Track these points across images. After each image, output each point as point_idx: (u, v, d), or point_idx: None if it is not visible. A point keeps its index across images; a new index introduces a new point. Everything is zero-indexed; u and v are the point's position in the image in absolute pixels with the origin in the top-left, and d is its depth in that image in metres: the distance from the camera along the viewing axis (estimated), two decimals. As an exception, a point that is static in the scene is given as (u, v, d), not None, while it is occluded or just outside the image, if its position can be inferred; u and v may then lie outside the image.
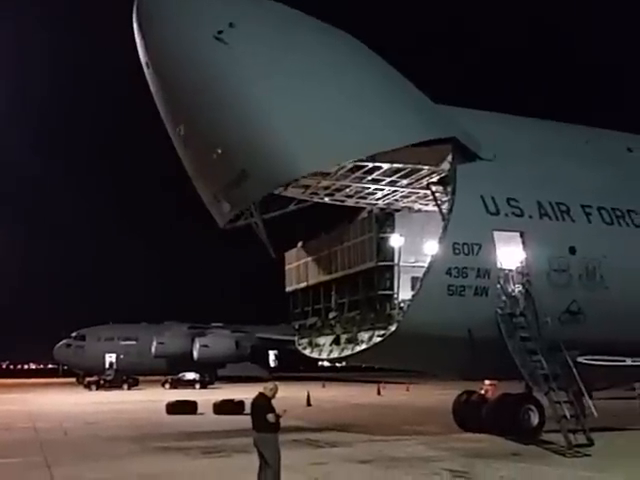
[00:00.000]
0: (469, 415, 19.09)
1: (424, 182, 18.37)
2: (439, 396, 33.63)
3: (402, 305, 16.99)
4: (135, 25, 15.92)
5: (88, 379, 50.56)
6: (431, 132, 16.22)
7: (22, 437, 19.35)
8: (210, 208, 17.31)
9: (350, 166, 17.28)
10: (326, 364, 73.24)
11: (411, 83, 17.15)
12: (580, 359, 16.86)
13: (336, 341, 19.10)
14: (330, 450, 15.98)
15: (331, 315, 19.55)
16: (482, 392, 19.58)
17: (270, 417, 9.64)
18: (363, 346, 17.35)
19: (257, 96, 14.91)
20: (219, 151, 15.09)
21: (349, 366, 56.74)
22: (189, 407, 27.03)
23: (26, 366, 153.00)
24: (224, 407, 26.44)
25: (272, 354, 64.70)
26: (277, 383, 10.38)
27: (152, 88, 16.49)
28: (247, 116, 14.82)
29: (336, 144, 15.11)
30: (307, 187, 19.06)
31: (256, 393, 10.18)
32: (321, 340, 20.05)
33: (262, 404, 9.91)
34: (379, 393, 39.99)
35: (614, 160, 19.58)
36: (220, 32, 14.72)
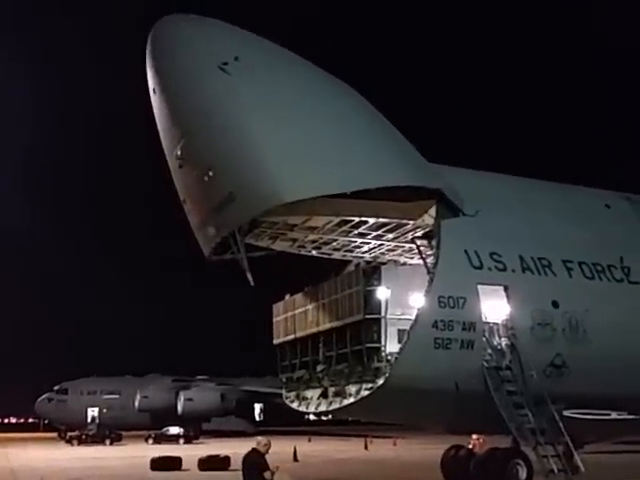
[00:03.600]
0: (457, 470, 18.90)
1: (409, 236, 18.74)
2: (426, 450, 33.19)
3: (389, 358, 17.06)
4: (148, 52, 17.15)
5: (70, 434, 49.47)
6: (418, 179, 16.70)
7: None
8: (197, 234, 17.83)
9: (337, 220, 17.69)
10: (312, 417, 72.26)
11: (401, 135, 17.80)
12: (566, 413, 16.86)
13: (324, 394, 19.02)
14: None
15: (319, 368, 19.51)
16: (470, 446, 19.46)
17: (267, 475, 9.59)
18: (351, 400, 17.29)
19: (251, 124, 15.75)
20: (210, 174, 15.78)
21: (336, 420, 55.90)
22: (174, 463, 26.65)
23: (6, 420, 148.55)
24: (210, 463, 26.12)
25: (258, 407, 63.70)
26: (269, 438, 10.35)
27: (156, 113, 17.50)
28: (239, 142, 15.64)
29: (322, 176, 15.66)
30: (295, 240, 19.43)
31: (245, 448, 10.16)
32: (309, 393, 19.95)
33: (255, 461, 9.87)
34: (366, 447, 39.53)
35: (593, 216, 20.13)
36: (225, 63, 15.77)
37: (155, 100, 17.39)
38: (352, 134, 16.56)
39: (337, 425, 66.52)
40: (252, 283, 16.44)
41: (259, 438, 10.35)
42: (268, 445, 10.19)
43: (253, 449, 10.09)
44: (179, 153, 16.51)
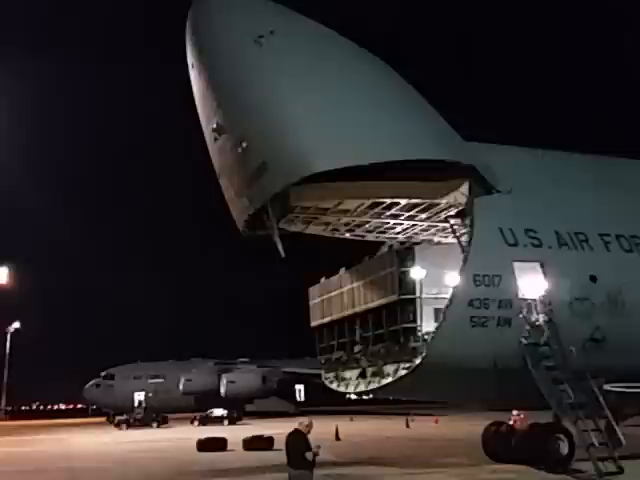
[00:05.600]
0: (499, 446, 19.04)
1: (442, 215, 18.76)
2: (468, 427, 33.26)
3: (426, 337, 17.22)
4: (187, 28, 17.84)
5: (118, 418, 50.83)
6: (452, 154, 16.68)
7: (59, 477, 19.76)
8: (232, 208, 18.33)
9: (369, 203, 17.80)
10: (353, 397, 72.76)
11: (436, 111, 17.74)
12: (606, 386, 16.83)
13: (362, 375, 19.32)
14: (360, 485, 16.11)
15: (356, 349, 19.81)
16: (511, 422, 19.54)
17: (308, 455, 9.84)
18: (389, 379, 17.54)
19: (284, 95, 16.11)
20: (244, 145, 16.21)
21: (376, 399, 56.27)
22: (219, 444, 27.19)
23: (56, 406, 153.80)
24: (254, 443, 26.62)
25: (299, 388, 64.50)
26: (312, 419, 10.59)
27: (194, 87, 18.18)
28: (272, 113, 15.98)
29: (353, 147, 15.76)
30: (328, 224, 19.62)
31: (288, 428, 10.39)
32: (347, 374, 20.28)
33: (298, 441, 10.09)
34: (407, 426, 39.69)
35: (629, 188, 19.78)
36: (260, 37, 16.29)
37: (193, 75, 18.00)
38: (385, 108, 16.64)
39: (378, 404, 66.90)
40: (283, 255, 16.68)
41: (301, 419, 10.57)
42: (310, 426, 10.41)
43: (296, 430, 10.32)
44: (215, 126, 16.96)
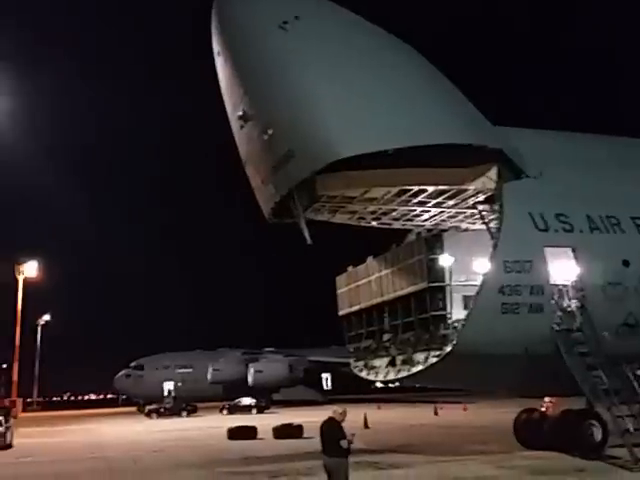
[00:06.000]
0: (531, 433, 18.97)
1: (470, 202, 18.60)
2: (497, 415, 33.10)
3: (456, 325, 17.14)
4: (213, 15, 17.98)
5: (149, 407, 51.56)
6: (479, 138, 16.48)
7: (93, 466, 20.04)
8: (258, 195, 18.40)
9: (396, 190, 17.72)
10: (380, 385, 72.96)
11: (463, 95, 17.56)
12: (640, 372, 16.64)
13: (392, 363, 19.32)
14: (392, 472, 16.12)
15: (385, 337, 19.80)
16: (543, 409, 19.42)
17: (343, 443, 9.93)
18: (419, 367, 17.53)
19: (309, 82, 16.11)
20: (270, 132, 16.24)
21: (403, 387, 56.27)
22: (250, 432, 27.48)
23: (86, 397, 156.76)
24: (284, 431, 26.81)
25: (325, 377, 64.77)
26: (345, 407, 10.65)
27: (220, 75, 18.28)
28: (298, 99, 15.98)
29: (379, 132, 15.70)
30: (354, 212, 19.59)
31: (316, 417, 10.43)
32: (376, 362, 20.29)
33: (333, 429, 10.18)
34: (436, 413, 39.61)
35: None
36: (285, 22, 16.32)
37: (219, 62, 18.09)
38: (411, 92, 16.54)
39: (405, 392, 66.94)
40: (309, 242, 16.72)
41: (335, 407, 10.65)
42: (344, 414, 10.48)
43: (330, 418, 10.40)
44: (240, 113, 17.00)
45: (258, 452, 21.80)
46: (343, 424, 10.39)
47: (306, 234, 16.72)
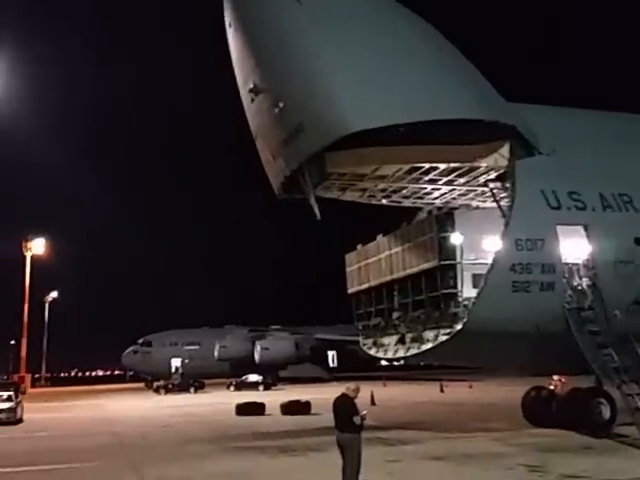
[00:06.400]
0: (539, 410, 19.06)
1: (481, 179, 18.46)
2: (503, 393, 33.25)
3: (466, 303, 17.14)
4: None
5: (157, 384, 52.05)
6: (491, 114, 16.26)
7: (103, 441, 20.19)
8: (268, 170, 18.30)
9: (407, 168, 17.59)
10: (384, 363, 73.28)
11: (477, 70, 17.31)
12: (650, 350, 16.60)
13: (401, 340, 19.38)
14: (402, 448, 16.25)
15: (395, 315, 19.83)
16: (551, 387, 19.48)
17: (356, 419, 9.98)
18: (429, 345, 17.58)
19: (321, 56, 15.96)
20: (280, 105, 16.09)
21: (408, 365, 56.50)
22: (258, 408, 27.69)
23: (94, 373, 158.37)
24: (291, 408, 27.00)
25: (331, 354, 65.17)
26: (358, 384, 10.69)
27: (231, 47, 18.10)
28: (311, 72, 15.87)
29: (390, 106, 15.53)
30: (364, 190, 19.49)
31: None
32: (385, 340, 20.35)
33: (346, 405, 10.23)
34: (442, 391, 39.84)
35: None
36: None
37: (231, 34, 17.85)
38: (424, 67, 16.34)
39: (410, 370, 67.29)
40: (319, 217, 16.67)
41: (348, 384, 10.68)
42: (357, 390, 10.53)
43: (343, 394, 10.44)
44: (251, 86, 16.83)
45: (267, 428, 21.97)
46: (356, 400, 10.44)
47: (316, 210, 16.66)
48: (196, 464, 14.84)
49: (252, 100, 17.31)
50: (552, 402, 18.68)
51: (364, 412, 10.20)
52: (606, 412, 17.18)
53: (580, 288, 16.72)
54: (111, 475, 13.98)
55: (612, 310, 16.28)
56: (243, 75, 17.68)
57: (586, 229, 16.89)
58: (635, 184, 17.86)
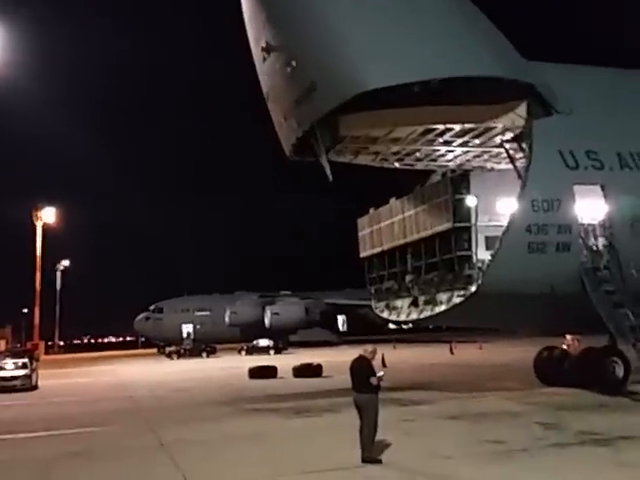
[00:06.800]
0: (552, 370, 19.15)
1: (497, 140, 18.18)
2: (513, 354, 33.47)
3: (480, 265, 17.07)
4: None
5: (169, 349, 52.72)
6: (510, 72, 15.91)
7: (120, 406, 20.48)
8: (279, 131, 18.07)
9: (421, 130, 17.32)
10: (393, 326, 73.81)
11: (495, 27, 16.87)
12: (664, 309, 16.55)
13: (414, 303, 19.40)
14: (416, 408, 16.40)
15: (408, 278, 19.80)
16: (564, 347, 19.53)
17: (373, 380, 10.05)
18: (442, 307, 17.60)
19: (337, 12, 15.64)
20: (293, 64, 15.86)
21: (417, 327, 56.87)
22: (270, 371, 28.04)
23: (106, 340, 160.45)
24: (303, 371, 27.34)
25: (341, 318, 65.67)
26: (375, 346, 10.73)
27: (243, 6, 17.78)
28: (323, 31, 15.58)
29: (406, 64, 15.24)
30: (377, 154, 19.26)
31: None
32: (398, 303, 20.38)
33: (363, 366, 10.28)
34: (452, 352, 40.13)
35: None
36: None
37: None
38: (440, 23, 15.97)
39: (418, 332, 67.76)
40: (330, 179, 16.51)
41: (366, 346, 10.72)
42: (374, 352, 10.59)
43: (360, 356, 10.49)
44: (264, 45, 16.54)
45: (280, 390, 22.26)
46: (373, 362, 10.50)
47: (328, 171, 16.50)
48: (212, 426, 15.04)
49: (264, 59, 16.98)
50: (565, 361, 18.75)
51: (381, 373, 10.26)
52: (619, 371, 17.25)
53: (596, 248, 16.59)
54: (129, 438, 14.16)
55: (628, 269, 16.17)
56: (255, 34, 17.36)
57: (603, 189, 16.68)
58: None
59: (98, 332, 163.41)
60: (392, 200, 21.09)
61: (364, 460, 9.99)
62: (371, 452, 10.04)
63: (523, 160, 17.22)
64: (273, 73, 17.02)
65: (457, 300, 17.03)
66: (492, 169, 20.08)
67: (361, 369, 10.34)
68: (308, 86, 15.55)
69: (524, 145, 16.94)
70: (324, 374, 26.83)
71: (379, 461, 10.01)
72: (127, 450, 12.74)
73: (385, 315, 21.21)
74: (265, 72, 17.59)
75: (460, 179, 18.28)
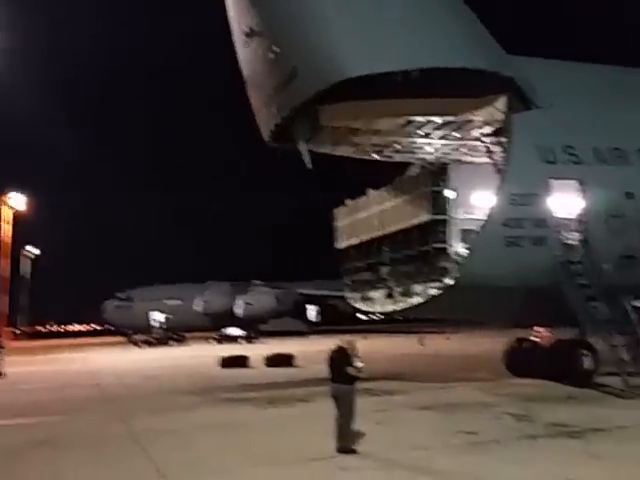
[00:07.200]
0: (522, 361, 19.37)
1: (475, 133, 18.22)
2: (482, 345, 33.85)
3: (456, 258, 17.14)
4: None
5: (138, 338, 52.14)
6: (491, 64, 15.94)
7: (87, 394, 20.20)
8: (258, 117, 17.85)
9: (402, 121, 17.25)
10: (363, 317, 74.14)
11: (478, 19, 16.85)
12: (634, 303, 16.86)
13: (389, 295, 19.42)
14: (389, 398, 16.45)
15: (384, 270, 19.81)
16: (534, 339, 19.78)
17: (351, 370, 10.01)
18: (418, 299, 17.64)
19: (319, 0, 15.47)
20: (276, 49, 15.70)
21: (386, 318, 57.01)
22: (242, 361, 27.91)
23: (74, 327, 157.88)
24: (275, 360, 27.24)
25: (311, 309, 65.76)
26: (353, 337, 10.71)
27: None
28: (306, 17, 15.45)
29: (387, 53, 15.16)
30: (357, 145, 19.14)
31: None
32: (374, 294, 20.40)
33: (341, 357, 10.25)
34: (421, 343, 40.39)
35: None
36: None
37: None
38: (423, 13, 15.87)
39: (388, 323, 68.11)
40: (309, 166, 16.38)
41: (345, 337, 10.70)
42: (352, 343, 10.54)
43: (339, 346, 10.47)
44: (247, 30, 16.32)
45: (253, 379, 22.12)
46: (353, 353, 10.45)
47: (306, 158, 16.36)
48: (183, 415, 14.88)
49: (246, 44, 16.71)
50: (535, 353, 18.98)
51: (360, 364, 10.23)
52: (589, 363, 17.48)
53: (571, 242, 16.77)
54: (98, 427, 13.91)
55: (602, 264, 16.40)
56: (238, 19, 17.09)
57: (580, 183, 16.85)
58: (629, 138, 17.79)
59: (67, 320, 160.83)
60: (370, 191, 21.03)
61: (339, 450, 9.97)
62: (346, 442, 10.01)
63: (501, 154, 17.31)
64: (255, 59, 16.78)
65: (432, 292, 17.09)
66: (469, 162, 20.14)
67: (339, 360, 10.30)
68: (289, 72, 15.39)
69: (502, 139, 17.03)
70: (296, 364, 26.81)
71: (354, 451, 9.99)
72: (97, 439, 12.50)
73: (360, 306, 21.22)
74: (247, 58, 17.36)
75: (439, 172, 18.31)
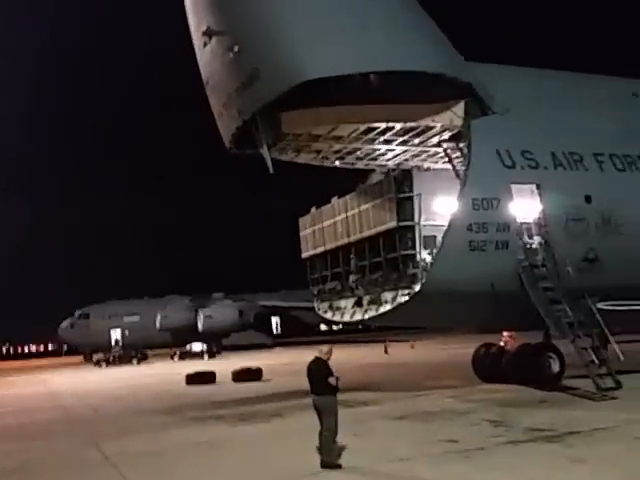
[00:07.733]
0: (489, 367, 19.56)
1: (435, 140, 18.39)
2: (446, 351, 34.20)
3: (424, 264, 17.22)
4: None
5: (97, 357, 50.70)
6: (450, 70, 16.05)
7: (54, 417, 19.48)
8: (219, 121, 17.54)
9: (363, 128, 17.29)
10: (325, 328, 74.01)
11: (436, 25, 17.01)
12: (600, 305, 17.24)
13: (358, 303, 19.36)
14: (364, 409, 16.29)
15: (352, 278, 19.75)
16: (501, 344, 20.01)
17: (332, 380, 9.83)
18: (387, 307, 17.63)
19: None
20: (236, 49, 15.37)
21: (347, 328, 56.98)
22: (208, 377, 27.39)
23: (26, 348, 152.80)
24: (243, 375, 26.85)
25: (275, 321, 65.27)
26: (331, 346, 10.52)
27: None
28: (267, 17, 15.27)
29: (348, 55, 15.16)
30: (319, 152, 19.11)
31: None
32: (342, 303, 20.30)
33: (320, 367, 10.04)
34: (386, 352, 40.53)
35: (621, 106, 19.68)
36: None
37: None
38: (384, 17, 15.92)
39: (350, 333, 68.28)
40: (271, 171, 16.16)
41: (321, 347, 10.49)
42: (330, 352, 10.34)
43: (316, 357, 10.25)
44: (205, 28, 15.94)
45: (221, 396, 21.67)
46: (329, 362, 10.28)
47: (269, 163, 16.17)
48: (155, 437, 14.40)
49: (205, 44, 16.36)
50: (502, 358, 19.18)
51: (337, 375, 10.07)
52: (555, 366, 17.82)
53: (533, 246, 17.05)
54: (71, 453, 13.33)
55: (564, 267, 16.70)
56: (197, 17, 16.68)
57: (538, 187, 17.15)
58: (585, 143, 18.24)
59: (17, 340, 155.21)
60: (334, 199, 21.00)
61: (323, 465, 9.76)
62: (330, 457, 9.81)
63: (460, 159, 17.52)
64: (214, 59, 16.44)
65: (402, 299, 17.11)
66: (429, 169, 20.31)
67: (318, 370, 10.10)
68: (250, 73, 15.16)
69: (461, 144, 17.24)
70: (264, 378, 26.46)
71: (339, 466, 9.79)
72: (71, 466, 11.97)
73: (328, 316, 21.10)
74: (206, 58, 16.94)
75: (403, 177, 18.42)
